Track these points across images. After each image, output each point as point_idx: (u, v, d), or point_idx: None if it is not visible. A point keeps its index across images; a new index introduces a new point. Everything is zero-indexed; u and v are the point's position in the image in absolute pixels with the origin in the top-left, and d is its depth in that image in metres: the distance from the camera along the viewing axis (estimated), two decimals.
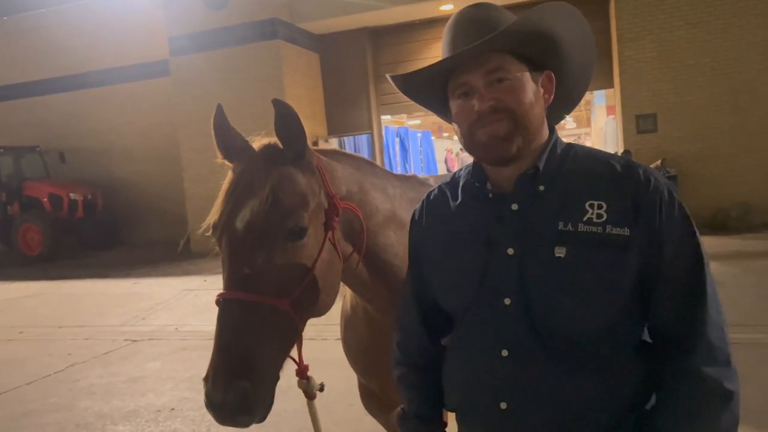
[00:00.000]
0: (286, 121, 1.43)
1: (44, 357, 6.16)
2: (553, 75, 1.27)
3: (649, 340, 1.22)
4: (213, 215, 1.44)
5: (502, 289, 1.19)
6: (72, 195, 13.74)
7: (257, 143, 1.51)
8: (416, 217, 1.44)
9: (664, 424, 1.13)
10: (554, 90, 1.27)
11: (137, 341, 6.55)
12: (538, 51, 1.23)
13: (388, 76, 1.39)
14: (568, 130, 34.63)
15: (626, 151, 10.36)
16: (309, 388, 1.54)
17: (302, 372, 1.51)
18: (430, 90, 1.32)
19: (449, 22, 1.28)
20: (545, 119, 1.28)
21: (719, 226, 9.57)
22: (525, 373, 1.17)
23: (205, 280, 9.36)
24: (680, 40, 10.12)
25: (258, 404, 1.30)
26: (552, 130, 1.30)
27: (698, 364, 1.11)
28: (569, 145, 1.29)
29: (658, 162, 9.91)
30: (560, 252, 1.14)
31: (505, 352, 1.18)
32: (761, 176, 9.86)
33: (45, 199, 13.70)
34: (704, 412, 1.10)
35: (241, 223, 1.37)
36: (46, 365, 5.86)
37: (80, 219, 13.88)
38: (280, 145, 1.47)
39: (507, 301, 1.19)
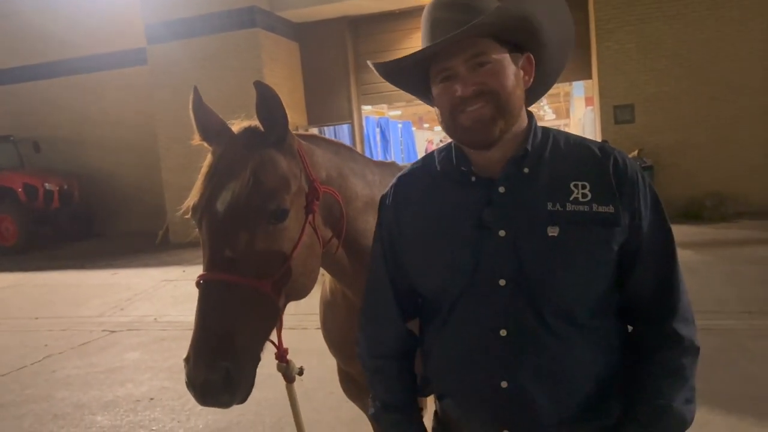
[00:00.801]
0: (268, 103, 1.43)
1: (20, 348, 6.08)
2: (532, 57, 1.28)
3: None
4: (192, 197, 1.43)
5: (497, 271, 1.21)
6: (47, 185, 13.50)
7: (237, 126, 1.51)
8: (387, 202, 1.42)
9: (646, 384, 1.22)
10: (533, 71, 1.29)
11: (115, 332, 6.49)
12: (518, 34, 1.24)
13: (369, 63, 1.39)
14: (547, 121, 34.89)
15: (604, 142, 10.48)
16: (288, 372, 1.55)
17: (282, 355, 1.52)
18: (412, 75, 1.33)
19: (428, 4, 1.29)
20: (524, 102, 1.29)
21: (694, 215, 9.74)
22: (524, 350, 1.20)
23: (184, 271, 9.28)
24: (658, 32, 10.23)
25: (240, 384, 1.30)
26: (530, 116, 1.31)
27: (676, 325, 1.22)
28: (546, 129, 1.32)
29: (635, 152, 10.04)
30: (553, 231, 1.19)
31: (503, 332, 1.21)
32: (735, 167, 10.04)
33: (19, 189, 13.43)
34: (682, 369, 1.22)
35: (222, 205, 1.36)
36: (21, 356, 5.79)
37: (56, 209, 13.64)
38: (261, 128, 1.47)
39: (502, 282, 1.21)
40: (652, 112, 10.36)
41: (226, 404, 1.31)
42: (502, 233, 1.22)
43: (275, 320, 1.41)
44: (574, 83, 16.01)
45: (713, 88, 10.09)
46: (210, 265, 1.35)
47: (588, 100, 15.83)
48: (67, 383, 4.97)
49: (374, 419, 1.46)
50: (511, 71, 1.23)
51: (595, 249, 1.19)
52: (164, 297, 7.90)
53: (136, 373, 5.09)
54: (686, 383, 1.22)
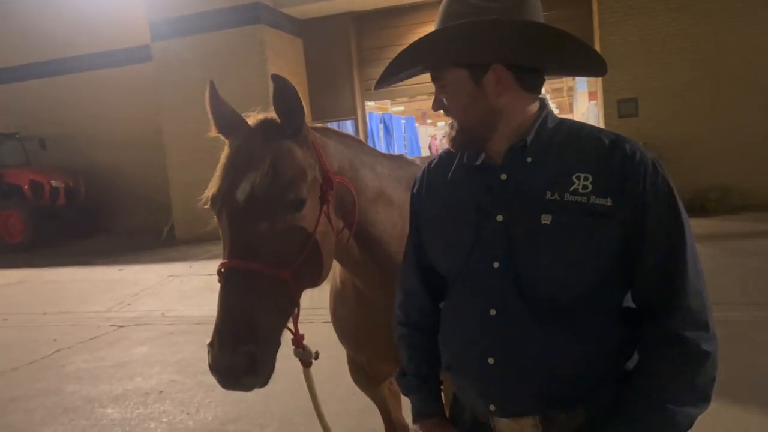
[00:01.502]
0: (285, 95, 1.47)
1: (29, 343, 6.15)
2: (501, 66, 1.24)
3: (632, 305, 1.28)
4: (211, 188, 1.47)
5: (492, 253, 1.26)
6: (53, 182, 13.57)
7: (253, 118, 1.55)
8: (416, 188, 1.49)
9: (645, 384, 1.20)
10: (510, 76, 1.25)
11: (123, 327, 6.55)
12: (478, 57, 1.24)
13: (372, 84, 1.45)
14: None
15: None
16: (305, 357, 1.59)
17: (298, 341, 1.56)
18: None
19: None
20: (514, 105, 1.27)
21: (699, 208, 9.72)
22: (511, 331, 1.24)
23: (190, 266, 9.34)
24: (661, 25, 10.21)
25: (263, 367, 1.35)
26: (542, 107, 1.31)
27: (678, 327, 1.17)
28: (561, 120, 1.32)
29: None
30: (546, 219, 1.20)
31: (493, 312, 1.25)
32: (740, 160, 10.02)
33: (26, 187, 13.50)
34: (682, 371, 1.17)
35: (242, 195, 1.41)
36: (31, 351, 5.85)
37: (62, 206, 13.71)
38: (278, 120, 1.51)
39: (496, 265, 1.25)
40: (656, 106, 10.35)
41: (248, 387, 1.36)
42: (499, 218, 1.25)
43: (293, 307, 1.46)
44: (578, 78, 15.98)
45: (718, 81, 10.07)
46: (231, 254, 1.39)
47: (591, 95, 15.81)
48: (77, 377, 5.03)
49: (397, 381, 1.54)
50: (464, 91, 1.26)
51: (586, 240, 1.19)
52: (171, 292, 7.96)
53: (145, 367, 5.15)
54: (689, 388, 1.18)
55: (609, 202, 1.18)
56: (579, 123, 1.34)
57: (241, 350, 1.31)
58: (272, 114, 1.53)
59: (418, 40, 1.24)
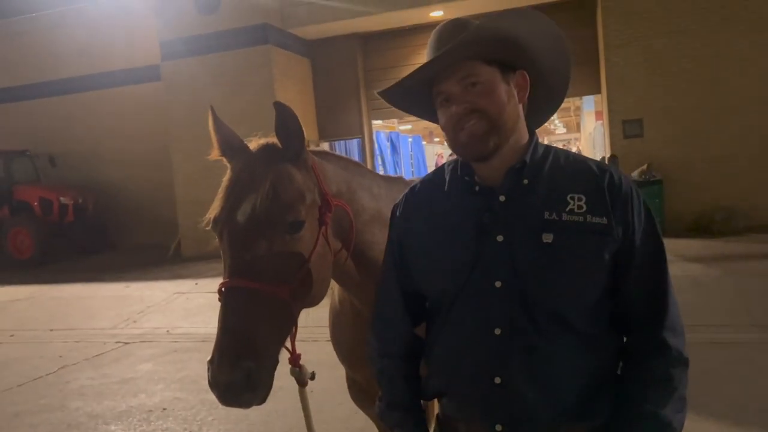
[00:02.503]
0: (287, 121, 1.52)
1: (35, 359, 6.19)
2: (525, 74, 1.37)
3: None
4: (213, 210, 1.52)
5: (493, 273, 1.29)
6: (62, 199, 13.70)
7: (254, 143, 1.60)
8: (399, 211, 1.52)
9: (634, 390, 1.27)
10: (529, 86, 1.37)
11: (128, 344, 6.59)
12: (504, 54, 1.33)
13: (377, 92, 1.51)
14: (558, 135, 34.93)
15: (613, 156, 10.50)
16: (301, 376, 1.62)
17: (295, 360, 1.59)
18: (416, 101, 1.45)
19: (434, 30, 1.40)
20: (522, 117, 1.38)
21: (703, 229, 9.72)
22: (516, 349, 1.27)
23: (196, 284, 9.39)
24: (665, 47, 10.28)
25: (261, 383, 1.38)
26: (532, 133, 1.41)
27: (665, 335, 1.27)
28: (548, 146, 1.41)
29: (644, 166, 10.05)
30: (547, 238, 1.26)
31: (497, 331, 1.28)
32: (745, 181, 10.02)
33: (35, 203, 13.64)
34: (670, 378, 1.26)
35: (243, 217, 1.45)
36: (37, 367, 5.89)
37: (71, 223, 13.83)
38: (279, 144, 1.56)
39: (498, 284, 1.29)
40: (660, 127, 10.38)
41: (247, 403, 1.39)
42: (499, 238, 1.30)
43: (291, 325, 1.50)
44: (585, 98, 16.07)
45: (722, 102, 10.10)
46: (231, 273, 1.43)
47: (598, 114, 15.88)
48: (81, 393, 5.06)
49: (380, 417, 1.53)
50: (502, 89, 1.32)
51: (586, 257, 1.26)
52: (176, 309, 8.00)
53: (149, 384, 5.17)
54: (674, 393, 1.26)
55: (604, 220, 1.27)
56: (564, 150, 1.42)
57: (240, 367, 1.34)
58: (273, 139, 1.58)
59: (457, 40, 1.27)
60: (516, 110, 1.36)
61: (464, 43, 1.27)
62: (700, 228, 9.80)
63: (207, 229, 1.53)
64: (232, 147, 1.61)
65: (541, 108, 1.47)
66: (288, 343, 1.54)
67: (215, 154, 1.63)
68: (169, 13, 12.49)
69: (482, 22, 1.29)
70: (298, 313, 1.52)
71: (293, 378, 1.65)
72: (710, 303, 5.91)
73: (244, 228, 1.45)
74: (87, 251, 14.09)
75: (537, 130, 1.46)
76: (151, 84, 13.93)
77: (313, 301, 1.57)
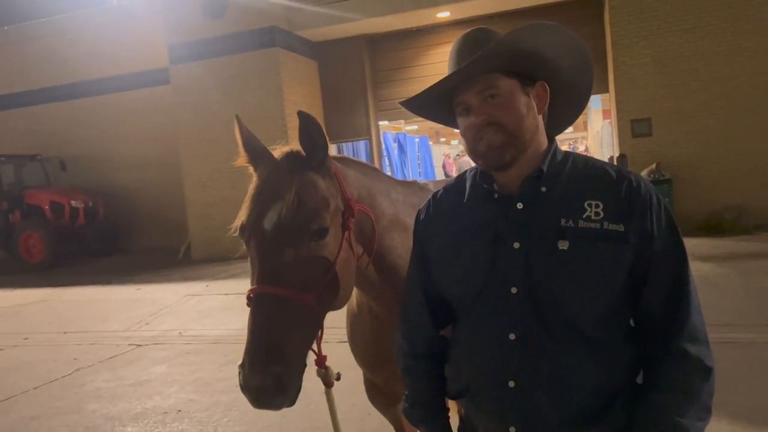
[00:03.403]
0: (311, 130, 1.56)
1: (50, 362, 6.25)
2: (545, 84, 1.39)
3: (632, 325, 1.36)
4: (240, 217, 1.55)
5: (510, 279, 1.32)
6: (73, 202, 13.84)
7: (278, 151, 1.64)
8: (422, 217, 1.55)
9: (656, 400, 1.27)
10: (548, 98, 1.40)
11: (142, 346, 6.64)
12: (524, 66, 1.35)
13: (399, 102, 1.54)
14: (565, 134, 34.83)
15: (622, 155, 10.49)
16: (327, 377, 1.65)
17: (321, 361, 1.63)
18: (439, 108, 1.47)
19: (455, 40, 1.43)
20: (541, 126, 1.40)
21: (713, 228, 9.69)
22: (530, 354, 1.29)
23: (207, 286, 9.45)
24: (674, 46, 10.26)
25: (291, 386, 1.43)
26: (551, 140, 1.43)
27: (684, 343, 1.26)
28: (567, 153, 1.43)
29: (653, 166, 10.03)
30: (563, 245, 1.28)
31: (512, 336, 1.31)
32: (754, 179, 9.98)
33: (46, 207, 13.79)
34: (689, 386, 1.25)
35: (269, 224, 1.49)
36: (52, 370, 5.95)
37: (81, 226, 13.97)
38: (302, 152, 1.60)
39: (514, 290, 1.31)
40: (669, 126, 10.36)
41: (278, 406, 1.43)
42: (516, 245, 1.32)
43: (317, 329, 1.54)
44: (592, 96, 16.04)
45: (729, 101, 10.07)
46: (259, 280, 1.47)
47: (605, 113, 15.83)
48: (97, 396, 5.12)
49: (405, 414, 1.57)
50: (521, 102, 1.34)
51: (603, 264, 1.27)
52: (188, 312, 8.05)
53: (164, 386, 5.22)
54: (696, 402, 1.25)
55: (621, 227, 1.27)
56: (583, 156, 1.45)
57: (270, 372, 1.38)
58: (296, 146, 1.61)
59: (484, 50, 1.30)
60: (535, 121, 1.38)
61: (485, 57, 1.29)
62: (710, 227, 9.77)
63: (235, 235, 1.56)
64: (257, 154, 1.64)
65: (561, 116, 1.50)
66: (314, 346, 1.57)
67: (241, 161, 1.67)
68: (177, 17, 12.58)
69: (504, 37, 1.31)
70: (324, 317, 1.56)
71: (310, 381, 1.68)
72: (721, 302, 5.90)
73: (270, 235, 1.49)
74: (98, 254, 14.22)
75: (577, 118, 1.50)
76: (159, 87, 14.06)
77: (338, 304, 1.61)
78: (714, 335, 4.77)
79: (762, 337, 4.96)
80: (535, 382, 1.29)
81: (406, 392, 1.57)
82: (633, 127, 10.56)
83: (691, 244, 8.74)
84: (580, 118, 25.22)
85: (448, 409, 1.56)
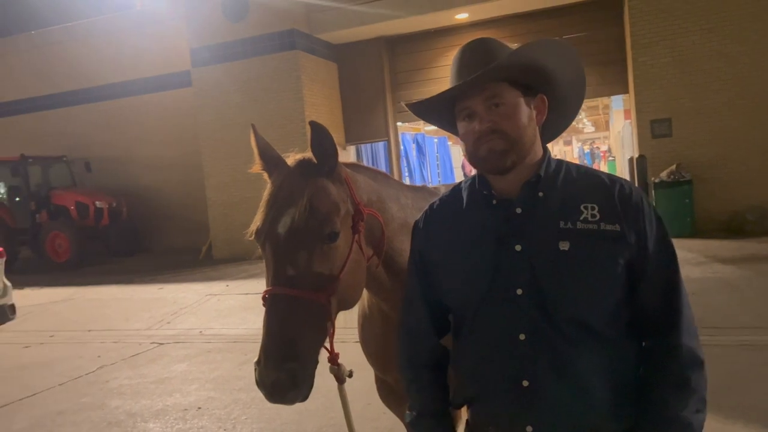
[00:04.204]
0: (322, 139, 1.63)
1: (75, 359, 6.42)
2: (545, 98, 1.46)
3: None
4: (256, 222, 1.63)
5: (514, 281, 1.36)
6: (98, 203, 14.11)
7: (291, 158, 1.71)
8: (420, 225, 1.61)
9: (656, 395, 1.33)
10: (546, 110, 1.46)
11: (163, 344, 6.78)
12: (529, 78, 1.42)
13: (403, 103, 1.60)
14: (587, 134, 34.54)
15: (641, 156, 10.41)
16: (340, 373, 1.71)
17: (334, 359, 1.68)
18: (441, 112, 1.53)
19: (456, 53, 1.49)
20: (538, 135, 1.46)
21: (736, 229, 9.57)
22: (542, 353, 1.34)
23: (227, 285, 9.59)
24: (694, 45, 10.16)
25: (304, 382, 1.50)
26: (545, 149, 1.49)
27: (679, 338, 1.33)
28: (560, 161, 1.50)
29: (674, 166, 9.93)
30: (564, 246, 1.34)
31: (522, 336, 1.35)
32: None
33: (72, 207, 14.07)
34: (687, 379, 1.32)
35: (283, 229, 1.57)
36: (77, 367, 6.11)
37: (105, 226, 14.24)
38: (314, 159, 1.67)
39: (519, 291, 1.36)
40: (689, 126, 10.26)
41: (291, 400, 1.50)
42: (518, 248, 1.37)
43: (329, 328, 1.59)
44: (613, 97, 15.91)
45: (752, 101, 9.94)
46: (274, 282, 1.55)
47: (626, 113, 15.70)
48: (120, 392, 5.25)
49: (410, 426, 1.60)
50: (524, 112, 1.40)
51: (603, 262, 1.33)
52: (209, 311, 8.19)
53: (184, 384, 5.34)
54: (694, 394, 1.31)
55: (617, 227, 1.34)
56: (575, 163, 1.51)
57: (284, 368, 1.46)
58: (309, 154, 1.68)
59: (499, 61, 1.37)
60: (534, 131, 1.44)
61: (499, 67, 1.35)
62: (731, 228, 9.65)
63: (251, 239, 1.64)
64: (271, 162, 1.72)
65: (553, 126, 1.56)
66: (327, 344, 1.63)
67: (257, 168, 1.74)
68: (199, 21, 12.77)
69: (518, 50, 1.37)
70: (336, 316, 1.62)
71: (327, 379, 1.74)
72: (741, 305, 5.85)
73: (284, 239, 1.56)
74: (121, 254, 14.48)
75: (566, 129, 1.57)
76: (181, 90, 14.28)
77: (349, 304, 1.68)
78: (733, 338, 4.79)
79: None
80: (549, 380, 1.33)
81: (410, 403, 1.60)
82: (653, 127, 10.47)
83: (712, 245, 8.65)
84: (602, 118, 24.89)
85: (452, 419, 1.60)
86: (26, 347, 7.14)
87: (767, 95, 9.88)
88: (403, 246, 1.87)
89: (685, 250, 8.24)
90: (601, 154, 29.06)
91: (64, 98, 16.18)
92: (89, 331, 7.70)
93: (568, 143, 34.66)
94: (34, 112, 16.53)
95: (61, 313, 9.06)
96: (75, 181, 15.20)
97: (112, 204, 14.42)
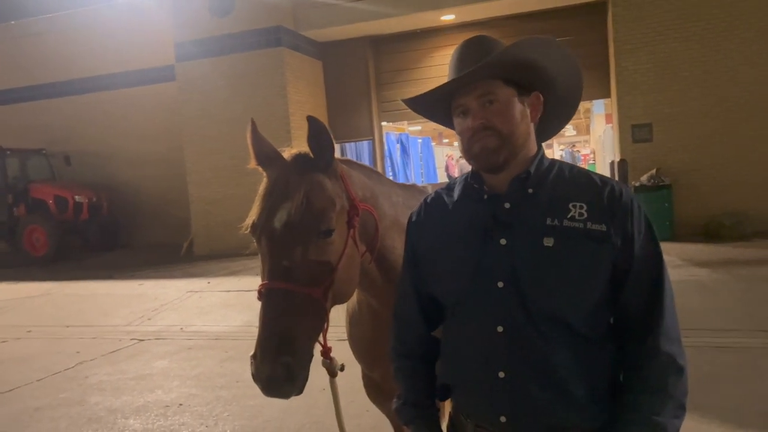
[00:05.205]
0: (319, 135, 1.65)
1: (53, 355, 6.34)
2: (540, 95, 1.48)
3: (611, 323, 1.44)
4: (252, 216, 1.64)
5: (496, 274, 1.39)
6: (77, 197, 13.93)
7: (287, 153, 1.73)
8: (414, 219, 1.64)
9: (633, 399, 1.34)
10: (541, 107, 1.49)
11: (143, 341, 6.73)
12: (523, 76, 1.44)
13: (401, 100, 1.62)
14: (568, 137, 34.86)
15: (622, 160, 10.56)
16: (331, 367, 1.74)
17: (326, 352, 1.71)
18: (437, 107, 1.56)
19: (455, 49, 1.52)
20: (532, 133, 1.49)
21: (712, 234, 9.75)
22: (519, 346, 1.36)
23: (208, 282, 9.54)
24: (675, 53, 10.33)
25: (299, 376, 1.51)
26: (539, 147, 1.52)
27: (659, 342, 1.33)
28: (554, 160, 1.52)
29: (653, 171, 10.09)
30: (548, 242, 1.35)
31: (500, 328, 1.38)
32: (754, 186, 10.05)
33: (50, 201, 13.88)
34: (665, 385, 1.32)
35: (279, 223, 1.58)
36: (55, 363, 6.04)
37: (85, 221, 14.06)
38: (311, 154, 1.68)
39: (500, 284, 1.38)
40: (670, 132, 10.43)
41: (287, 394, 1.52)
42: (503, 241, 1.39)
43: (324, 322, 1.62)
44: (595, 101, 16.10)
45: (729, 109, 10.14)
46: (270, 276, 1.56)
47: (608, 118, 15.90)
48: (100, 389, 5.20)
49: (396, 413, 1.64)
50: (517, 110, 1.43)
51: (585, 262, 1.34)
52: (190, 307, 8.14)
53: (165, 381, 5.31)
54: (670, 400, 1.31)
55: (604, 228, 1.35)
56: (569, 163, 1.53)
57: (280, 362, 1.47)
58: (305, 149, 1.70)
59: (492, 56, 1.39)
60: (527, 128, 1.46)
61: (490, 64, 1.37)
62: (709, 233, 9.83)
63: (246, 233, 1.65)
64: (267, 156, 1.72)
65: (550, 124, 1.59)
66: (320, 338, 1.65)
67: (252, 163, 1.74)
68: (184, 14, 12.67)
69: (509, 47, 1.40)
70: (330, 310, 1.64)
71: (311, 375, 1.76)
72: (717, 308, 5.98)
73: (280, 234, 1.57)
74: (101, 249, 14.31)
75: (563, 127, 1.59)
76: (165, 84, 14.15)
77: (344, 299, 1.70)
78: (708, 339, 4.89)
79: (755, 342, 5.03)
80: (525, 373, 1.35)
81: (399, 392, 1.63)
82: (634, 132, 10.63)
83: (689, 249, 8.81)
84: (583, 122, 25.16)
85: (438, 410, 1.63)
86: (3, 342, 7.05)
87: (743, 103, 10.09)
88: (394, 243, 1.89)
89: (663, 253, 8.36)
90: (582, 158, 29.37)
91: (44, 90, 15.93)
92: (67, 326, 7.61)
93: (549, 146, 34.94)
94: (13, 104, 16.23)
95: (39, 308, 8.94)
96: (54, 174, 14.98)
97: (92, 198, 14.24)
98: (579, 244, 1.34)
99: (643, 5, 10.41)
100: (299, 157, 1.69)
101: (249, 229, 1.64)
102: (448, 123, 1.57)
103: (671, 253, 8.51)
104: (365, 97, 13.47)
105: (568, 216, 1.36)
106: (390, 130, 15.96)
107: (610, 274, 1.36)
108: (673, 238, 9.72)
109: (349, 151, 14.29)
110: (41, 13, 15.71)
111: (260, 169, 1.73)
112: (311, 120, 1.62)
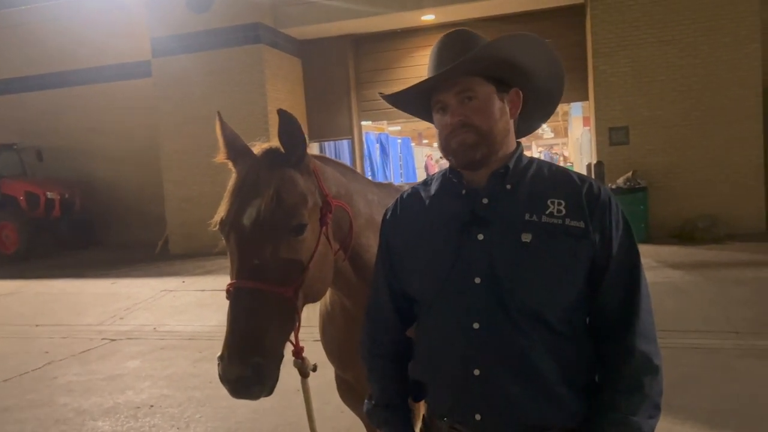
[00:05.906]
0: (290, 129, 1.60)
1: (21, 355, 6.19)
2: (520, 92, 1.46)
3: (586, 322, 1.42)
4: (220, 213, 1.58)
5: (473, 270, 1.36)
6: (49, 194, 13.62)
7: (258, 148, 1.67)
8: (388, 215, 1.60)
9: (608, 398, 1.33)
10: (521, 104, 1.47)
11: (115, 340, 6.60)
12: (503, 72, 1.42)
13: (379, 93, 1.58)
14: (546, 139, 35.17)
15: (599, 163, 10.65)
16: (303, 368, 1.69)
17: (298, 352, 1.66)
18: (417, 104, 1.54)
19: (435, 44, 1.49)
20: (511, 130, 1.47)
21: (686, 236, 9.88)
22: (494, 342, 1.33)
23: (183, 281, 9.39)
24: (652, 57, 10.44)
25: (269, 377, 1.46)
26: (518, 144, 1.49)
27: (635, 342, 1.32)
28: (532, 158, 1.50)
29: (630, 173, 10.20)
30: (526, 237, 1.33)
31: (476, 325, 1.35)
32: (727, 189, 10.20)
33: (21, 198, 13.56)
34: (640, 384, 1.31)
35: (248, 220, 1.53)
36: (23, 363, 5.90)
37: (57, 218, 13.76)
38: (282, 149, 1.63)
39: (477, 280, 1.35)
40: (646, 135, 10.54)
41: (256, 395, 1.47)
42: (480, 236, 1.37)
43: (295, 321, 1.57)
44: (572, 104, 16.24)
45: (705, 112, 10.29)
46: (239, 274, 1.51)
47: (585, 120, 16.04)
48: (69, 389, 5.08)
49: (367, 415, 1.60)
50: (496, 106, 1.41)
51: (563, 258, 1.32)
52: (163, 307, 8.00)
53: (136, 381, 5.20)
54: (646, 399, 1.30)
55: (582, 224, 1.34)
56: (548, 162, 1.52)
57: (249, 363, 1.42)
58: (276, 143, 1.64)
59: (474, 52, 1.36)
60: (507, 125, 1.44)
61: (468, 61, 1.35)
62: (683, 235, 9.97)
63: (215, 230, 1.59)
64: (237, 151, 1.67)
65: (531, 119, 1.57)
66: (292, 337, 1.60)
67: (221, 157, 1.69)
68: (161, 9, 12.48)
69: (487, 44, 1.37)
70: (302, 310, 1.59)
71: (285, 376, 1.71)
72: (690, 309, 6.04)
73: (249, 231, 1.52)
74: (73, 247, 14.03)
75: (526, 136, 1.55)
76: (141, 80, 13.90)
77: (316, 297, 1.65)
78: (681, 341, 4.94)
79: (727, 343, 5.10)
80: (500, 370, 1.33)
81: (370, 392, 1.60)
82: (611, 134, 10.73)
83: (663, 251, 8.92)
84: (561, 125, 25.41)
85: (411, 411, 1.59)
86: None
87: (719, 108, 10.23)
88: (369, 242, 1.85)
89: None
90: (558, 159, 29.68)
91: (17, 83, 15.55)
92: (37, 325, 7.44)
93: (528, 149, 35.21)
94: None
95: (7, 306, 8.73)
96: (26, 170, 14.64)
97: (65, 195, 13.94)
98: (557, 240, 1.33)
99: (622, 8, 10.51)
100: (270, 152, 1.64)
101: (217, 226, 1.58)
102: (427, 118, 1.55)
103: (646, 255, 8.59)
104: (345, 95, 13.41)
105: (547, 212, 1.35)
106: (370, 129, 15.93)
107: (588, 271, 1.35)
108: (649, 240, 9.83)
109: (328, 150, 14.22)
110: (16, 5, 15.37)
111: (229, 164, 1.68)
112: (282, 113, 1.57)
